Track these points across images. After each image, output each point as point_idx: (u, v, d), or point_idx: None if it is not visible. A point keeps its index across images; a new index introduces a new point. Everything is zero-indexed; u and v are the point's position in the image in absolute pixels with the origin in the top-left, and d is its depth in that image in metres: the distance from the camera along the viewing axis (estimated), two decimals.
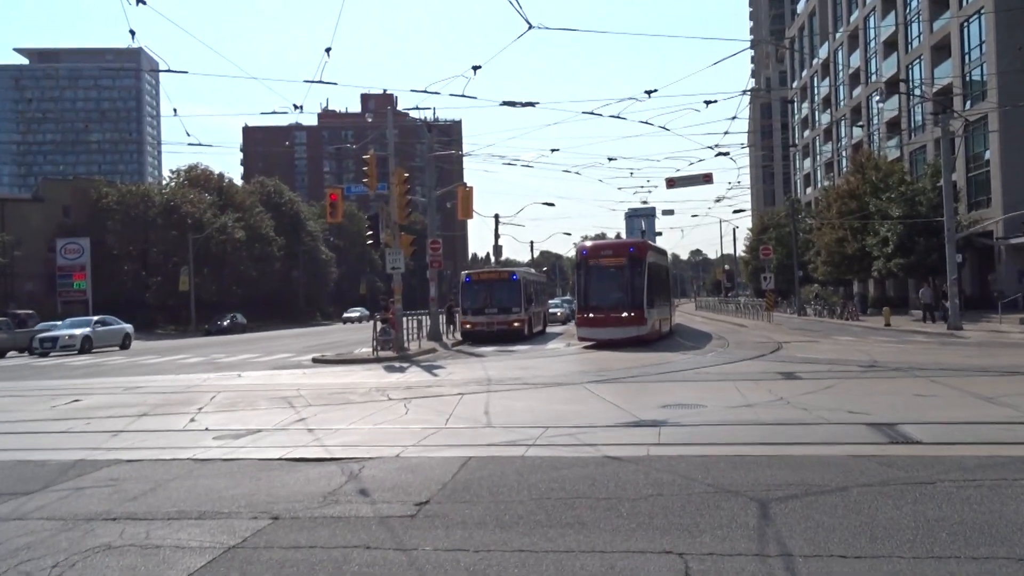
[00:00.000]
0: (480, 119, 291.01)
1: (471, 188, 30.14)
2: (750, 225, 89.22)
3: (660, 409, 11.66)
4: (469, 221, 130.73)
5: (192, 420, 12.26)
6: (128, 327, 39.18)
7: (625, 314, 25.80)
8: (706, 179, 34.74)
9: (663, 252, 33.89)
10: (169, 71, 19.88)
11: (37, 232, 65.04)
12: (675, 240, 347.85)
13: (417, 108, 47.84)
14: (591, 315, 26.30)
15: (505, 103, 23.70)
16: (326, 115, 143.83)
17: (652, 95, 23.19)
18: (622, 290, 26.23)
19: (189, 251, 62.42)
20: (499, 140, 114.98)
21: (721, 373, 16.79)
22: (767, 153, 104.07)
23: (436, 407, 12.80)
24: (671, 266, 40.07)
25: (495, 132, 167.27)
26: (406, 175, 27.61)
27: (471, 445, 9.31)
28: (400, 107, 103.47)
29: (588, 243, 28.16)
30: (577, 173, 34.47)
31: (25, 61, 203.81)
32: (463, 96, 22.68)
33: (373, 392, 15.26)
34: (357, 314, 72.77)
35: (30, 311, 45.82)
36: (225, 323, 60.47)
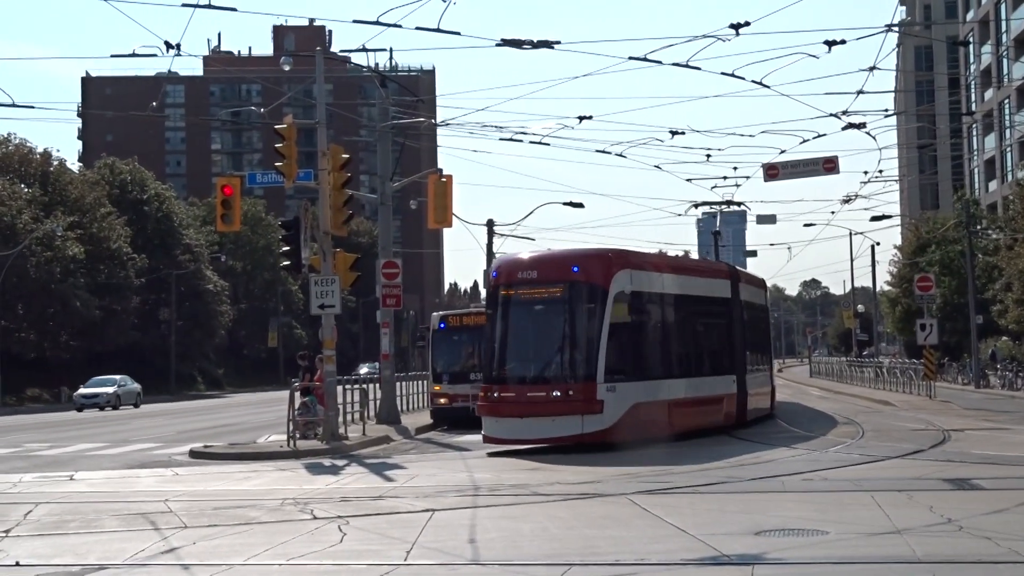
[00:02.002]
0: (464, 68, 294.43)
1: (449, 178, 30.27)
2: (898, 241, 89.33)
3: (753, 537, 11.64)
4: (446, 231, 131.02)
5: None
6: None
7: (556, 392, 22.52)
8: (827, 167, 34.84)
9: (705, 271, 30.45)
10: None
11: None
12: (777, 264, 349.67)
13: (364, 50, 48.22)
14: (498, 394, 23.25)
15: (505, 42, 23.86)
16: (217, 60, 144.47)
17: (741, 31, 23.33)
18: (555, 346, 23.51)
19: None
20: (494, 101, 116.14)
21: (851, 479, 16.73)
22: (926, 126, 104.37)
23: (390, 531, 12.73)
24: (765, 303, 35.94)
25: (489, 89, 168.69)
26: (346, 156, 27.76)
27: None
28: (336, 48, 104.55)
29: (513, 257, 26.03)
30: (620, 155, 34.51)
31: None
32: (438, 31, 22.77)
33: (288, 507, 15.20)
34: (112, 389, 58.70)
35: None
36: None
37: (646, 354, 24.82)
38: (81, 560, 11.38)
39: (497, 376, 23.69)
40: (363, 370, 65.74)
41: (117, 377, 60.29)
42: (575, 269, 23.69)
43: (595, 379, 22.44)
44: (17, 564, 11.24)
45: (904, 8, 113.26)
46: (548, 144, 32.79)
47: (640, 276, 24.73)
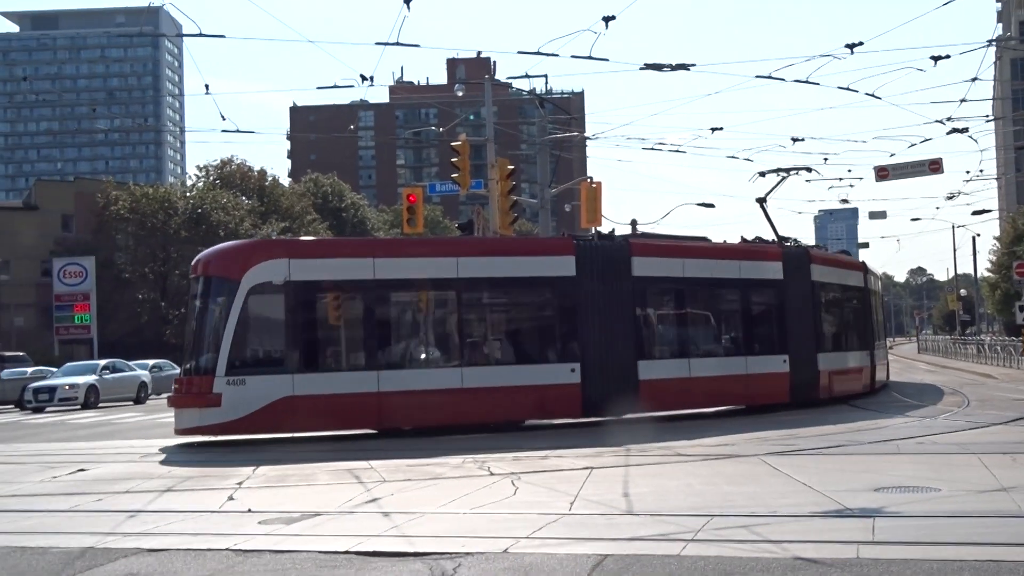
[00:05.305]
0: (609, 90, 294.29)
1: (599, 184, 30.35)
2: (997, 232, 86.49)
3: (872, 493, 11.46)
4: (595, 230, 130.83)
5: (231, 498, 12.70)
6: (145, 375, 40.81)
7: (183, 386, 20.62)
8: (933, 168, 34.07)
9: (580, 246, 22.55)
10: (200, 35, 20.86)
11: (29, 250, 68.80)
12: (887, 255, 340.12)
13: (527, 76, 48.76)
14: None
15: (648, 66, 23.84)
16: (400, 89, 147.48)
17: (856, 50, 22.90)
18: (190, 340, 21.24)
19: None
20: (637, 117, 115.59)
21: (959, 443, 16.35)
22: (1022, 129, 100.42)
23: (555, 485, 12.88)
24: (871, 285, 31.58)
25: (632, 107, 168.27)
26: (510, 168, 28.06)
27: (606, 539, 9.34)
28: (500, 75, 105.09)
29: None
30: (748, 160, 34.22)
31: (14, 28, 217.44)
32: (590, 58, 22.85)
33: (469, 464, 15.45)
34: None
35: (19, 353, 48.41)
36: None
37: (318, 345, 21.23)
38: (301, 507, 11.73)
39: None
40: None
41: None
42: (210, 263, 21.23)
43: (213, 373, 19.72)
44: (249, 511, 11.67)
45: (1001, 24, 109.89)
46: (684, 152, 32.68)
47: (316, 265, 20.89)
